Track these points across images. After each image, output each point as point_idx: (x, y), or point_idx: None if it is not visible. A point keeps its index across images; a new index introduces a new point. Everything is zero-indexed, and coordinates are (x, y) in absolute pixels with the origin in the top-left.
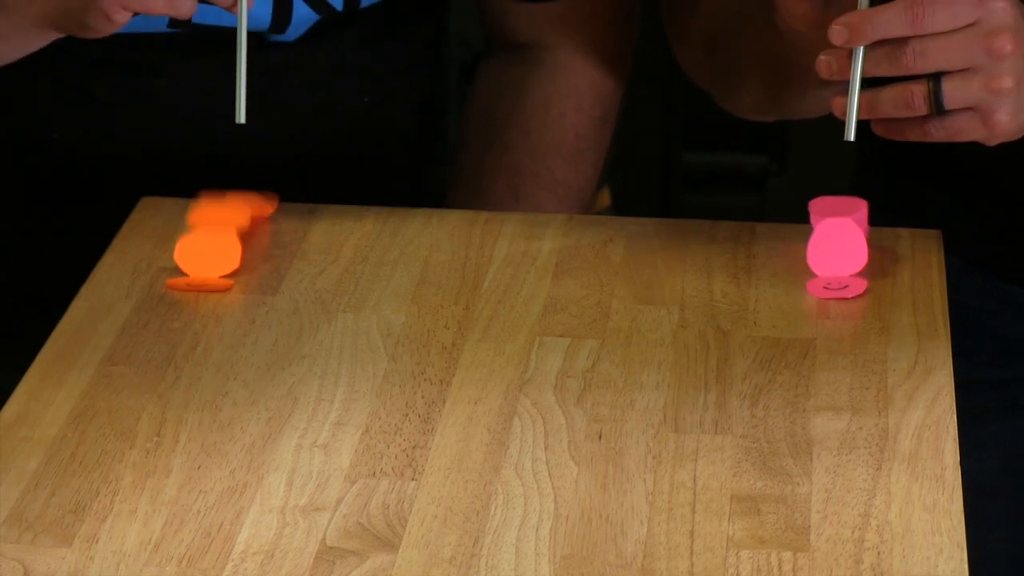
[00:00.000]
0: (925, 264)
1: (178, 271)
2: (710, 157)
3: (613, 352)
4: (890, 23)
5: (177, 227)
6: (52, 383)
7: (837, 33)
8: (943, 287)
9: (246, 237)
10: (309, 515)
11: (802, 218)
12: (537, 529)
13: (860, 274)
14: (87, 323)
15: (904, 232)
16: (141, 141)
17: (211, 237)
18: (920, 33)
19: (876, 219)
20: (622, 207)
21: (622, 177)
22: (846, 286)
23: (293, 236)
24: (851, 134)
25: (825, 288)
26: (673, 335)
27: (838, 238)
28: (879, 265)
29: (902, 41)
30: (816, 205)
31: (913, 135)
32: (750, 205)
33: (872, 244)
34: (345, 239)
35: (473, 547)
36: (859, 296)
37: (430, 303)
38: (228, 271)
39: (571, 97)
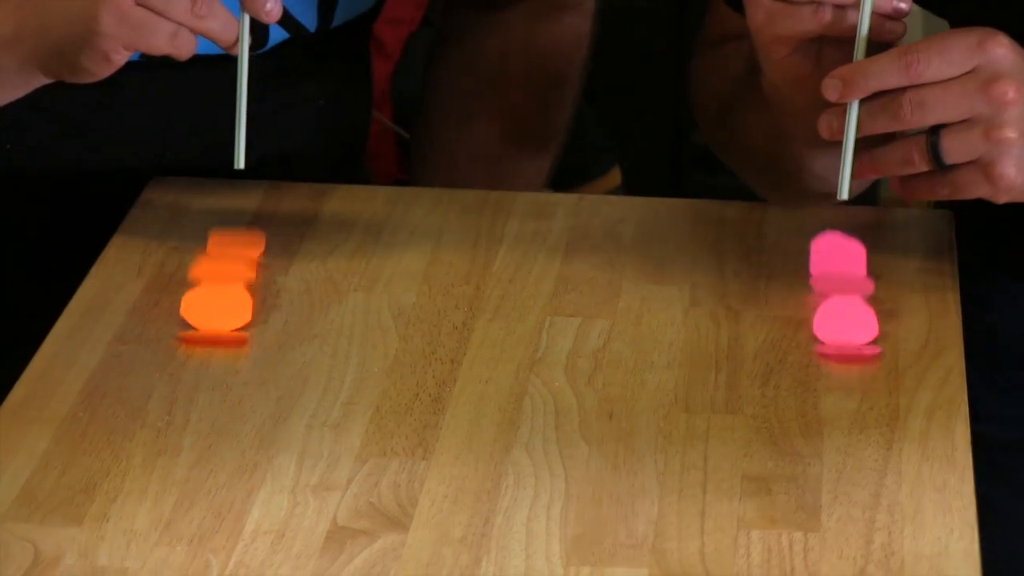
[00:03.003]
0: (936, 244)
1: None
2: None
3: (624, 332)
4: (884, 72)
5: (187, 208)
6: (62, 362)
7: (831, 88)
8: (954, 267)
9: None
10: (320, 495)
11: None
12: (548, 509)
13: (873, 342)
14: (98, 303)
15: (915, 212)
16: (102, 154)
17: (220, 292)
18: (916, 82)
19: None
20: (632, 187)
21: (633, 157)
22: (859, 352)
23: (304, 216)
24: (844, 192)
25: (838, 352)
26: (684, 315)
27: (846, 314)
28: (890, 245)
29: (898, 93)
30: (818, 248)
31: (922, 193)
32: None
33: (883, 224)
34: (356, 219)
35: (484, 527)
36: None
37: (441, 283)
38: (240, 325)
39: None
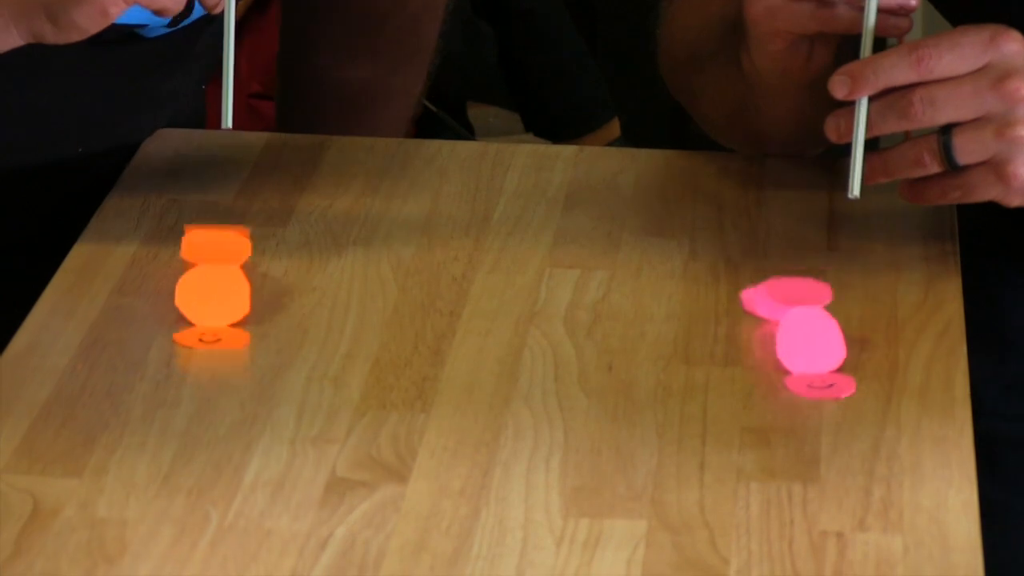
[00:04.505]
0: None
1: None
2: None
3: (623, 284)
4: (893, 68)
5: (185, 161)
6: (62, 314)
7: (839, 84)
8: (953, 219)
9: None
10: (319, 446)
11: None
12: (547, 461)
13: (842, 370)
14: (97, 255)
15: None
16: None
17: (217, 277)
18: (926, 79)
19: None
20: (632, 138)
21: (632, 108)
22: (831, 384)
23: (303, 168)
24: (855, 190)
25: (809, 388)
26: (684, 267)
27: (809, 331)
28: (889, 201)
29: (908, 90)
30: (775, 289)
31: (933, 197)
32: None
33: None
34: (355, 171)
35: (483, 479)
36: (851, 395)
37: (440, 235)
38: (237, 318)
39: None
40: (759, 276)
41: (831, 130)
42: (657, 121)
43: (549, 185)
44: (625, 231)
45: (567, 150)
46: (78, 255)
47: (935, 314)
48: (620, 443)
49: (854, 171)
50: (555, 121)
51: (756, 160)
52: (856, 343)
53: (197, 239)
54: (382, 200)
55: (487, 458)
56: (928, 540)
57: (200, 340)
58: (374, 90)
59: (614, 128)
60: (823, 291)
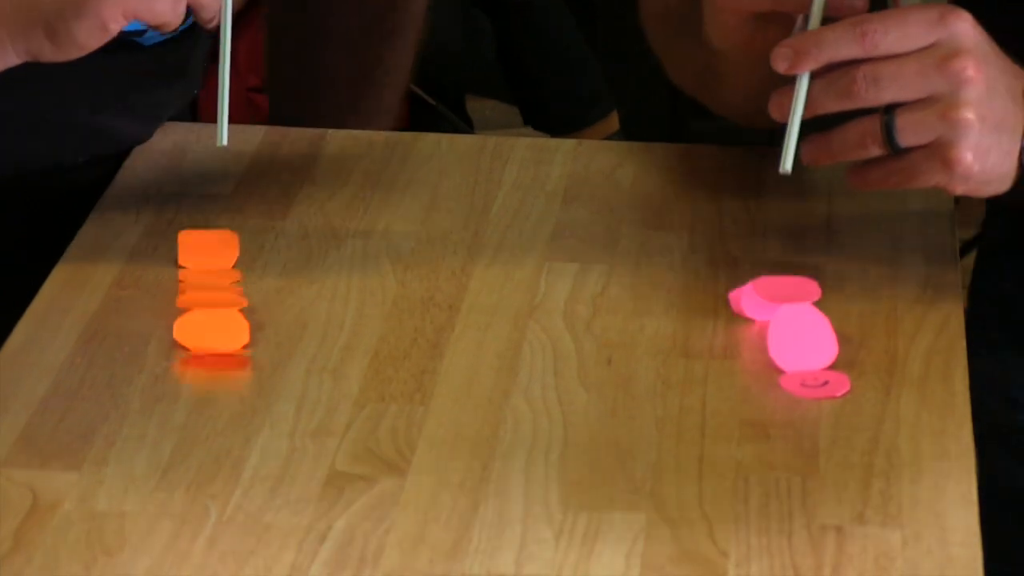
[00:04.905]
0: (935, 191)
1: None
2: None
3: (622, 277)
4: (837, 42)
5: (184, 153)
6: (61, 308)
7: (780, 57)
8: (952, 211)
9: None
10: (318, 440)
11: None
12: (546, 455)
13: (840, 365)
14: (96, 248)
15: None
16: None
17: (215, 320)
18: (871, 54)
19: None
20: (631, 132)
21: (631, 102)
22: (826, 382)
23: (302, 161)
24: (787, 165)
25: (803, 386)
26: (682, 260)
27: (799, 328)
28: (887, 192)
29: (851, 67)
30: (762, 288)
31: (875, 181)
32: (759, 130)
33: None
34: (354, 164)
35: (482, 472)
36: (846, 394)
37: (439, 228)
38: (237, 347)
39: None
40: (758, 270)
41: (774, 108)
42: (656, 115)
43: (548, 179)
44: (624, 225)
45: (566, 144)
46: (77, 248)
47: (934, 307)
48: (619, 437)
49: (788, 145)
50: (554, 115)
51: (754, 153)
52: (855, 337)
53: (190, 240)
54: (381, 193)
55: (486, 451)
56: (927, 533)
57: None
58: (364, 69)
59: (613, 122)
60: (811, 288)
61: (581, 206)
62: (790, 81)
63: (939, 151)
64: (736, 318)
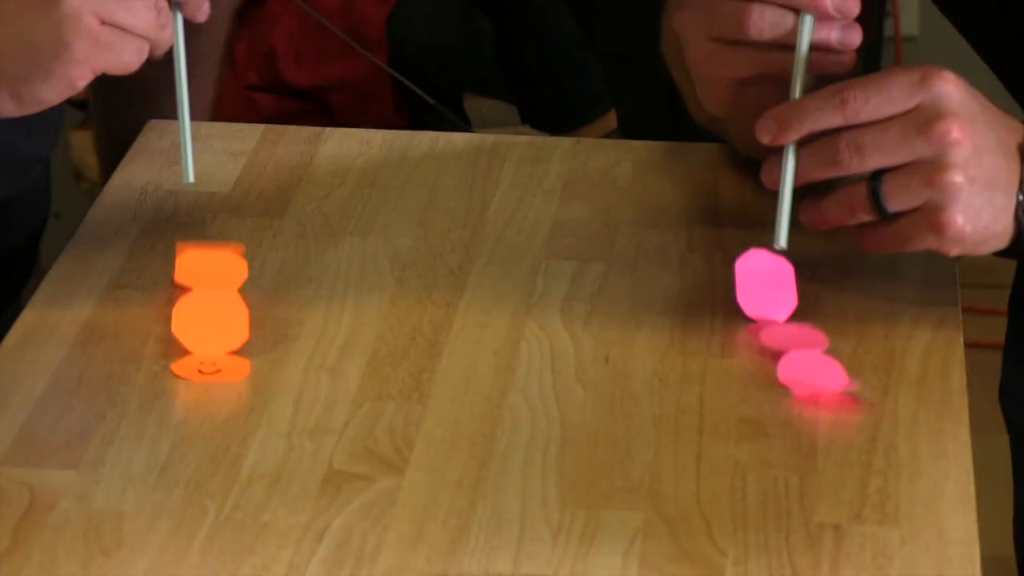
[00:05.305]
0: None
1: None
2: None
3: (620, 275)
4: (818, 112)
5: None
6: (59, 306)
7: (764, 129)
8: None
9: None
10: (316, 438)
11: None
12: (544, 453)
13: (839, 361)
14: (94, 246)
15: None
16: None
17: (214, 304)
18: (852, 122)
19: None
20: (628, 131)
21: (629, 100)
22: (823, 382)
23: (300, 159)
24: (781, 240)
25: (799, 386)
26: (680, 259)
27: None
28: None
29: (835, 135)
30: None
31: (872, 246)
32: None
33: None
34: (352, 162)
35: (480, 470)
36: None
37: (437, 226)
38: (236, 345)
39: None
40: None
41: (766, 177)
42: (654, 113)
43: (546, 177)
44: (622, 223)
45: (564, 142)
46: (75, 246)
47: (932, 305)
48: (617, 435)
49: (780, 222)
50: (552, 113)
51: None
52: (853, 335)
53: (190, 261)
54: (379, 191)
55: (484, 450)
56: (925, 532)
57: (199, 371)
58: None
59: (610, 120)
60: (787, 270)
61: (579, 204)
62: (780, 150)
63: (929, 215)
64: (734, 317)
